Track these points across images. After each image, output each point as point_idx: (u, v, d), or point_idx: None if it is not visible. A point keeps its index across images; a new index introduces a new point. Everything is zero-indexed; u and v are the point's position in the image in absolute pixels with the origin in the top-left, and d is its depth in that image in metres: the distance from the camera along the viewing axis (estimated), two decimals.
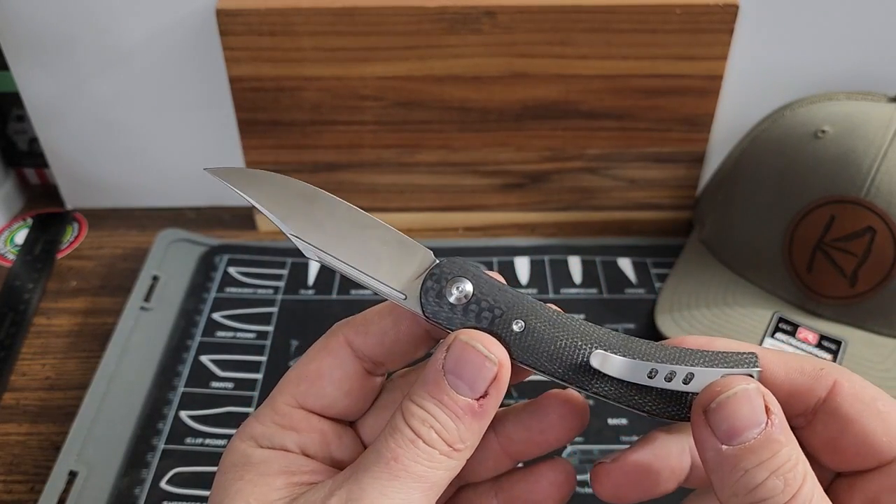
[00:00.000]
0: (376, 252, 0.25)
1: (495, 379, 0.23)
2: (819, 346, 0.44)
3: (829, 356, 0.43)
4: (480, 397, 0.22)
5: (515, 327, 0.23)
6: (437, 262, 0.24)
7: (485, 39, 0.50)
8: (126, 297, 0.51)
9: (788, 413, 0.23)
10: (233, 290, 0.52)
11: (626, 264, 0.55)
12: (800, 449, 0.22)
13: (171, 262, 0.54)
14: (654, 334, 0.48)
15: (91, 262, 0.56)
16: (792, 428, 0.22)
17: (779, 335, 0.45)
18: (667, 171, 0.57)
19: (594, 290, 0.52)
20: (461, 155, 0.56)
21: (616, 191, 0.58)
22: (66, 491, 0.40)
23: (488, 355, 0.23)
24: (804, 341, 0.44)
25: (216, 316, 0.50)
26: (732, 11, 0.49)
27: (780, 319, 0.45)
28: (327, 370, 0.25)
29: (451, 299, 0.23)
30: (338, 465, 0.25)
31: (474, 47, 0.50)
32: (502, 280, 0.25)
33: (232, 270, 0.54)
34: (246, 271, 0.54)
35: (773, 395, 0.22)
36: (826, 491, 0.22)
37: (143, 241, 0.57)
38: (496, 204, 0.59)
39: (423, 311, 0.24)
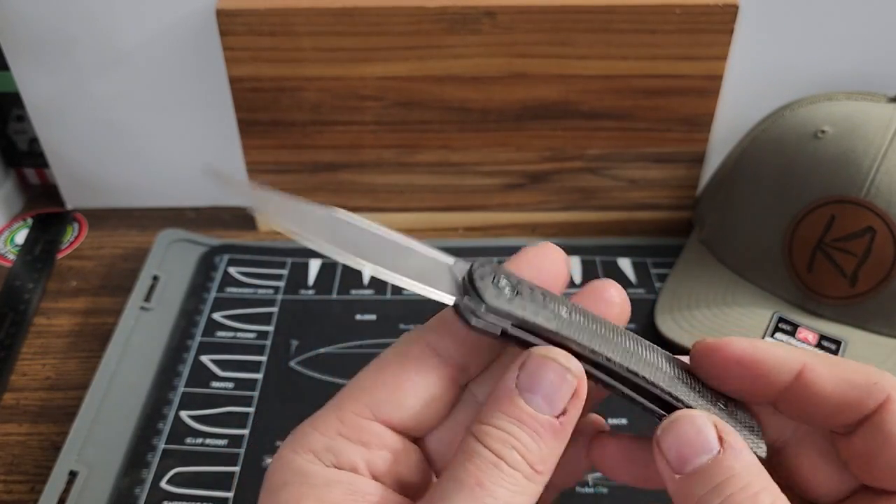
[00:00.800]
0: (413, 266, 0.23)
1: (575, 394, 0.21)
2: (819, 346, 0.44)
3: None
4: (560, 415, 0.21)
5: (563, 312, 0.22)
6: (472, 264, 0.22)
7: (485, 40, 0.50)
8: (126, 297, 0.51)
9: (831, 422, 0.22)
10: (233, 290, 0.52)
11: (626, 264, 0.55)
12: (772, 484, 0.20)
13: (171, 262, 0.54)
14: (655, 334, 0.48)
15: (91, 262, 0.56)
16: (830, 433, 0.22)
17: (779, 335, 0.45)
18: (667, 172, 0.57)
19: None
20: (461, 155, 0.56)
21: (616, 191, 0.58)
22: (66, 491, 0.40)
23: (569, 367, 0.21)
24: (804, 341, 0.44)
25: (216, 316, 0.50)
26: (732, 11, 0.49)
27: (780, 319, 0.45)
28: (409, 376, 0.23)
29: (506, 291, 0.22)
30: (404, 489, 0.23)
31: (474, 47, 0.50)
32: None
33: (232, 270, 0.54)
34: (246, 271, 0.54)
35: (819, 408, 0.22)
36: (846, 500, 0.21)
37: (143, 241, 0.57)
38: (496, 204, 0.59)
39: (490, 310, 0.22)
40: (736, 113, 0.54)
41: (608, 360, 0.22)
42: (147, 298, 0.51)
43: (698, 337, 0.45)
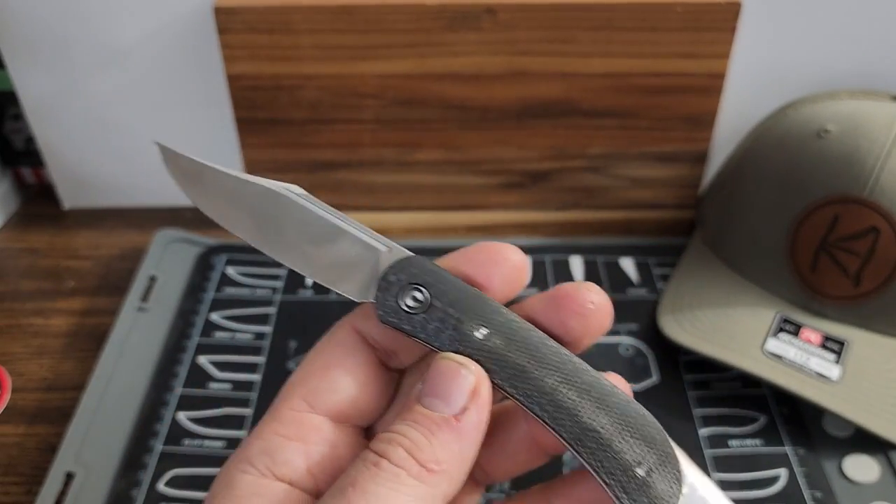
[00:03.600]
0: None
1: (474, 391, 0.20)
2: (823, 346, 0.44)
3: (833, 357, 0.43)
4: (459, 413, 0.20)
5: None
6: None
7: (485, 37, 0.50)
8: (123, 297, 0.51)
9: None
10: (231, 290, 0.52)
11: (628, 264, 0.54)
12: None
13: (168, 262, 0.54)
14: (657, 335, 0.47)
15: (88, 261, 0.56)
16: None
17: (782, 335, 0.44)
18: (669, 170, 0.56)
19: None
20: (461, 154, 0.56)
21: (618, 190, 0.57)
22: (62, 493, 0.39)
23: (462, 364, 0.21)
24: (807, 342, 0.44)
25: (214, 316, 0.50)
26: (735, 9, 0.49)
27: (783, 319, 0.45)
28: (339, 360, 0.23)
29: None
30: None
31: (475, 45, 0.50)
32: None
33: (230, 270, 0.53)
34: (244, 271, 0.53)
35: None
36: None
37: (140, 241, 0.57)
38: (497, 203, 0.58)
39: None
40: (739, 111, 0.54)
41: (511, 396, 0.21)
42: (144, 299, 0.50)
43: (701, 337, 0.45)
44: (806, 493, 0.40)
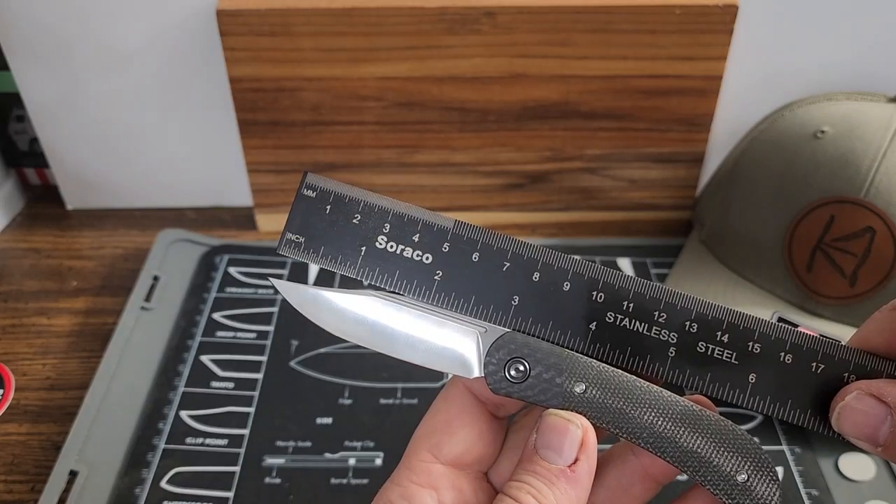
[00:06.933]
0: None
1: (583, 444, 0.24)
2: None
3: None
4: (572, 464, 0.24)
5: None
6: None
7: (484, 40, 0.50)
8: (127, 297, 0.51)
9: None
10: (233, 290, 0.52)
11: (626, 264, 0.55)
12: None
13: (171, 262, 0.54)
14: None
15: (92, 262, 0.57)
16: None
17: None
18: (666, 172, 0.57)
19: None
20: (461, 155, 0.56)
21: (616, 191, 0.58)
22: (66, 490, 0.40)
23: (571, 421, 0.24)
24: None
25: (217, 316, 0.50)
26: (732, 12, 0.49)
27: (780, 319, 0.45)
28: (456, 416, 0.26)
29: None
30: None
31: (474, 48, 0.51)
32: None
33: (232, 270, 0.54)
34: (246, 271, 0.54)
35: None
36: None
37: (143, 242, 0.58)
38: (496, 204, 0.59)
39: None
40: (735, 113, 0.55)
41: (617, 434, 0.25)
42: (147, 298, 0.51)
43: None
44: (802, 491, 0.40)
